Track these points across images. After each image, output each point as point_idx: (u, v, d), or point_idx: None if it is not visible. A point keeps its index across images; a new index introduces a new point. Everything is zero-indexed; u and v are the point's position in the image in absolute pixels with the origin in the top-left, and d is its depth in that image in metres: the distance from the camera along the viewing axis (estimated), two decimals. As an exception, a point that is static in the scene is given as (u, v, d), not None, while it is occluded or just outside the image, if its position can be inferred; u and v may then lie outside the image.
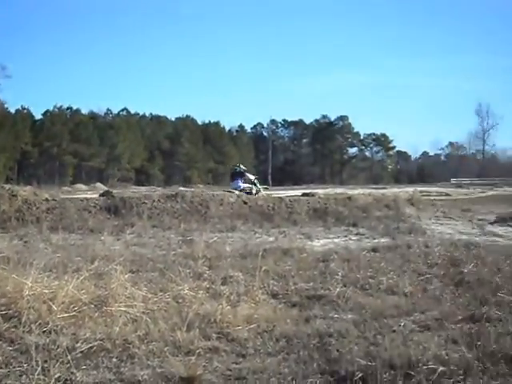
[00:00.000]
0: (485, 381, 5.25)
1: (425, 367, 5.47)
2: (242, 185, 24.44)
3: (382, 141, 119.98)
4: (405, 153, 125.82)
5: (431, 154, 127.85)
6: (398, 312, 7.73)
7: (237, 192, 22.84)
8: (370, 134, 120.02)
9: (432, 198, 32.94)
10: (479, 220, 20.44)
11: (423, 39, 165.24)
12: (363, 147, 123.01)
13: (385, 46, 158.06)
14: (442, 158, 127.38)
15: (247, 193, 23.56)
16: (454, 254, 11.86)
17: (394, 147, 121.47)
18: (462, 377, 5.38)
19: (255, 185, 25.10)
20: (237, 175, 25.28)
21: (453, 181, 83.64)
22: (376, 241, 14.72)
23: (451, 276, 9.96)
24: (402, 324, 7.12)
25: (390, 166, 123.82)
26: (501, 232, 17.36)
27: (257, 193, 24.41)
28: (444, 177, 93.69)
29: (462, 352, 5.83)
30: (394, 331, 6.86)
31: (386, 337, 6.55)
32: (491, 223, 19.68)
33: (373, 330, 6.95)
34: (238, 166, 26.92)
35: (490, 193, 48.19)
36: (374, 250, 12.64)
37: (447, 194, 43.56)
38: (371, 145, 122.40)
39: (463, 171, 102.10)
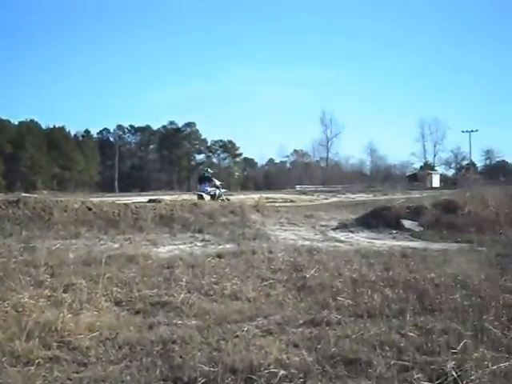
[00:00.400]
0: (324, 383, 5.36)
1: (266, 371, 5.54)
2: (209, 188, 27.24)
3: (229, 148, 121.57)
4: (251, 160, 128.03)
5: (277, 161, 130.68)
6: (242, 317, 7.78)
7: (206, 195, 26.64)
8: (217, 141, 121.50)
9: (277, 204, 33.55)
10: (322, 226, 20.96)
11: (271, 50, 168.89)
12: (210, 154, 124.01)
13: (233, 55, 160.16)
14: (288, 165, 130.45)
15: (211, 195, 26.82)
16: (297, 259, 12.07)
17: (240, 154, 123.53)
18: (302, 380, 5.48)
19: (218, 188, 27.83)
20: (205, 179, 27.99)
21: (298, 187, 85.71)
22: (221, 247, 14.77)
23: (294, 281, 10.14)
24: (245, 329, 7.16)
25: (236, 173, 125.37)
26: (342, 238, 17.87)
27: (219, 196, 27.51)
28: (289, 183, 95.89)
29: (302, 355, 5.94)
30: (237, 336, 6.90)
31: (228, 342, 6.58)
32: (333, 229, 20.23)
33: (216, 335, 6.96)
34: (206, 171, 30.06)
35: (333, 199, 49.60)
36: (219, 255, 12.67)
37: (292, 201, 44.47)
38: (218, 151, 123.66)
39: (308, 178, 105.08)
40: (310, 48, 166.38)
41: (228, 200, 27.56)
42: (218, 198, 27.20)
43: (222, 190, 28.57)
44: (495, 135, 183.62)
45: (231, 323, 7.51)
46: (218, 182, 28.51)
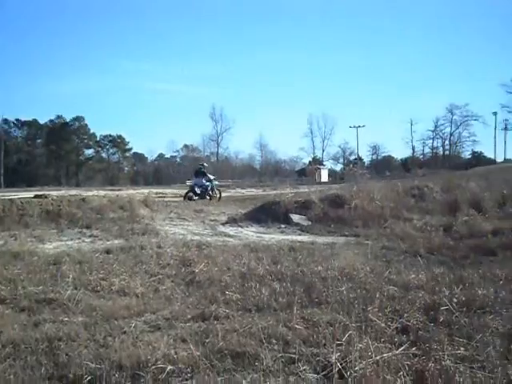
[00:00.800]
0: (211, 377, 5.37)
1: (154, 367, 5.53)
2: (204, 182, 30.83)
3: (118, 142, 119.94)
4: (141, 154, 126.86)
5: (167, 156, 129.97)
6: (129, 313, 7.72)
7: (197, 189, 31.40)
8: (106, 136, 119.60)
9: (167, 199, 33.30)
10: (211, 221, 20.95)
11: (162, 45, 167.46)
12: (99, 149, 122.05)
13: (123, 50, 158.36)
14: (178, 159, 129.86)
15: (205, 187, 30.96)
16: (186, 254, 12.04)
17: (130, 149, 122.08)
18: (189, 374, 5.49)
19: (211, 182, 31.54)
20: (201, 174, 31.57)
21: (188, 182, 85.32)
22: (110, 242, 14.60)
23: (183, 276, 10.13)
24: (133, 325, 7.11)
25: (126, 168, 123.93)
26: (232, 232, 17.98)
27: (212, 188, 32.05)
28: (180, 178, 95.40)
29: (190, 350, 5.93)
30: (125, 332, 6.84)
31: (116, 338, 6.52)
32: (223, 224, 20.28)
33: (103, 332, 6.89)
34: (203, 166, 33.57)
35: (223, 194, 49.65)
36: (108, 251, 12.52)
37: (182, 196, 44.25)
38: (108, 146, 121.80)
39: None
40: (200, 43, 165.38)
41: (220, 193, 32.63)
42: (211, 189, 31.65)
43: (215, 183, 32.38)
44: (381, 131, 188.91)
45: (119, 319, 7.44)
46: (211, 177, 32.23)
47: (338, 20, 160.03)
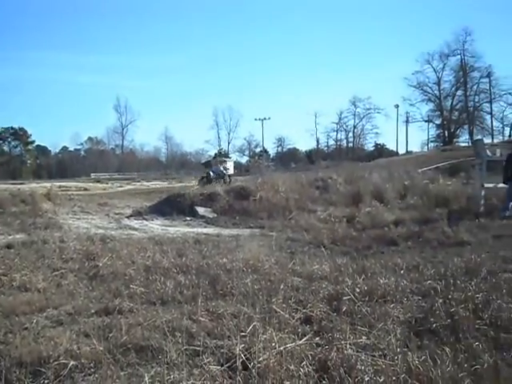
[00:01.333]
0: (115, 371, 5.31)
1: (56, 363, 5.44)
2: (221, 170, 33.55)
3: (20, 135, 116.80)
4: (45, 147, 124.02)
5: (71, 148, 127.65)
6: (31, 309, 7.56)
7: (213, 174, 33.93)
8: (7, 128, 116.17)
9: (70, 192, 32.80)
10: (116, 214, 20.81)
11: (67, 36, 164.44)
12: (0, 141, 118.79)
13: (28, 40, 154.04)
14: (82, 152, 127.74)
15: (220, 175, 33.46)
16: (90, 248, 11.88)
17: (33, 142, 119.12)
18: (92, 369, 5.42)
19: (226, 171, 34.65)
20: (220, 162, 36.23)
21: (92, 175, 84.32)
22: (11, 237, 14.28)
23: (86, 270, 10.00)
24: (35, 321, 6.96)
25: (29, 161, 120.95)
26: (136, 225, 17.88)
27: (224, 176, 34.50)
28: (84, 172, 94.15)
29: (93, 345, 5.84)
30: (26, 328, 6.70)
31: (17, 335, 6.37)
32: (127, 217, 20.16)
33: (3, 328, 6.72)
34: (222, 155, 41.64)
35: (128, 187, 49.26)
36: (9, 246, 12.24)
37: (86, 189, 43.71)
38: (9, 139, 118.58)
39: (103, 166, 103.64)
40: (107, 34, 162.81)
41: (230, 180, 34.58)
42: (227, 176, 34.47)
43: (230, 172, 36.06)
44: (287, 123, 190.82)
45: (20, 315, 7.28)
46: (228, 166, 37.74)
47: (233, 15, 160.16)
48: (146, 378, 4.98)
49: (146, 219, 19.56)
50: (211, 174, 32.96)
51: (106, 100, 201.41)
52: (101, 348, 5.78)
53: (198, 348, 5.76)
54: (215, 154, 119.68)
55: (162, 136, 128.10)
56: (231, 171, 41.79)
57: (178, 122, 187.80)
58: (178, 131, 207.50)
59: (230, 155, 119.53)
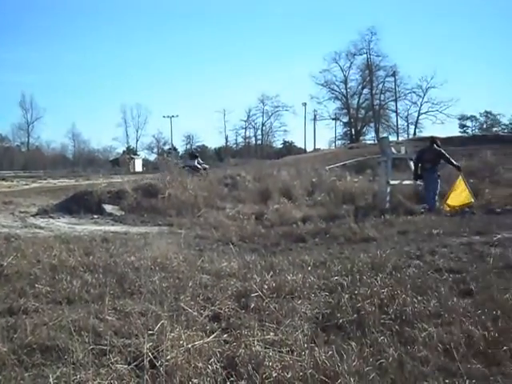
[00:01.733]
0: (19, 372, 5.22)
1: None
2: (197, 164, 31.42)
3: None
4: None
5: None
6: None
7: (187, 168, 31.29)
8: None
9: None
10: (21, 212, 20.35)
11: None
12: None
13: None
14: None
15: (195, 168, 31.16)
16: (-6, 247, 11.60)
17: None
18: (-5, 372, 5.30)
19: (201, 165, 32.23)
20: (194, 157, 33.26)
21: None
22: None
23: (-11, 271, 9.74)
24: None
25: None
26: (42, 224, 17.50)
27: (199, 169, 32.33)
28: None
29: (-3, 347, 5.73)
30: None
31: None
32: (33, 215, 19.73)
33: None
34: (196, 150, 39.45)
35: (34, 185, 48.11)
36: None
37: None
38: None
39: (8, 163, 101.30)
40: (16, 29, 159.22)
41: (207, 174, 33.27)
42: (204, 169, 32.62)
43: (203, 166, 33.63)
44: (196, 120, 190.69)
45: None
46: (201, 161, 33.83)
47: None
48: (51, 379, 4.89)
49: (53, 217, 19.17)
50: (198, 165, 32.91)
51: (12, 96, 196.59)
52: (5, 349, 5.66)
53: (104, 347, 5.72)
54: (123, 152, 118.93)
55: (69, 133, 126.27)
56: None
57: (85, 118, 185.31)
58: (86, 128, 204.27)
59: (138, 152, 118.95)
